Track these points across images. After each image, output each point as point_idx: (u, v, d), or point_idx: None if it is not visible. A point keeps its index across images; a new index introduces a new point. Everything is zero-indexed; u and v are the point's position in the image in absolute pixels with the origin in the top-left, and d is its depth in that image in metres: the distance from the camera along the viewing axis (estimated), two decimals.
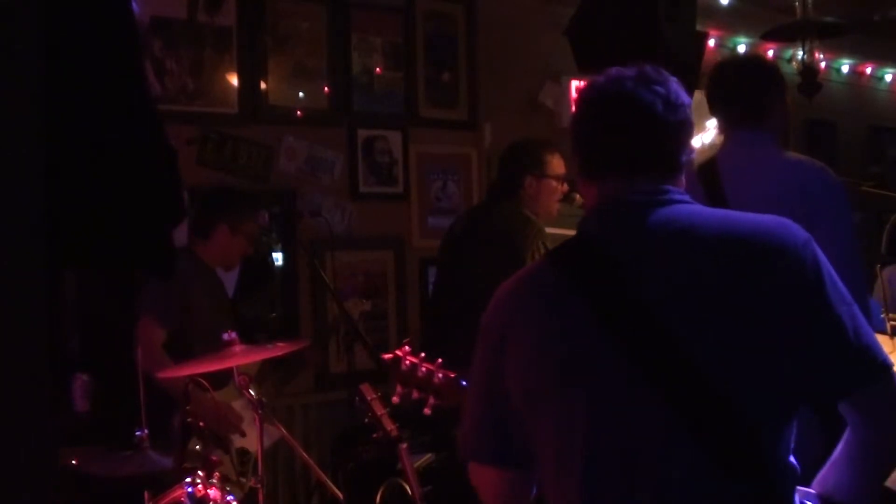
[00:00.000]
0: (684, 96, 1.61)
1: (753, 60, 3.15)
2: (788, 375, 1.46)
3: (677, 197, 1.57)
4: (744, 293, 1.46)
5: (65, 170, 1.40)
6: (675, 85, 1.60)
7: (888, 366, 1.49)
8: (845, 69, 7.44)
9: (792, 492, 1.51)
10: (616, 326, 1.49)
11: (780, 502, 1.48)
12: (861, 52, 7.39)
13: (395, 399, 2.20)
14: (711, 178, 2.71)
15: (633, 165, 1.58)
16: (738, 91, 2.86)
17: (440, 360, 2.17)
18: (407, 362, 2.18)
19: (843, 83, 7.46)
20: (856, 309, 1.49)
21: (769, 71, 2.94)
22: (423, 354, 2.19)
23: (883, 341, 3.86)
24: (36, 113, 1.19)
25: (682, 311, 1.47)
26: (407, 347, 2.21)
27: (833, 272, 1.51)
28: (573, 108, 1.71)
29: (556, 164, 3.82)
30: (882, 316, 3.94)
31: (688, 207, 1.56)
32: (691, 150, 1.64)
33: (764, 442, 1.46)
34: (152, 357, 3.36)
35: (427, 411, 2.16)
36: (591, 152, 1.63)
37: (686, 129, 1.61)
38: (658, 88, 1.58)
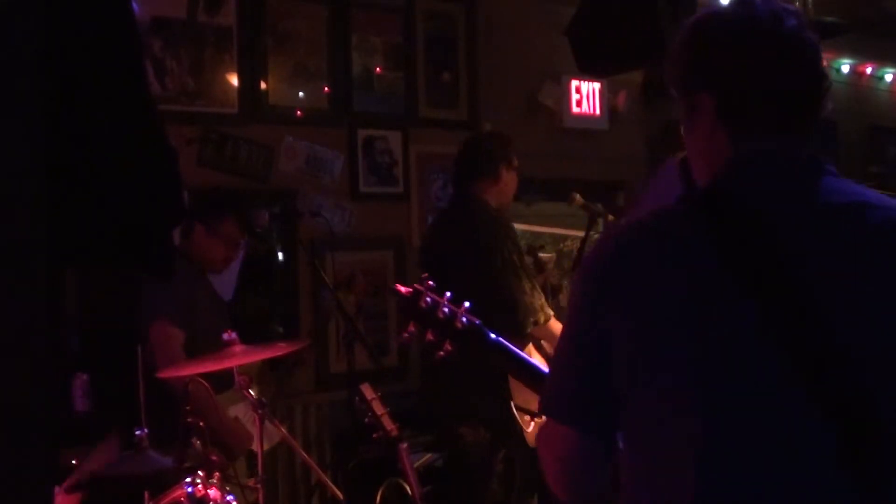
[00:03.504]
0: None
1: None
2: None
3: (827, 167, 1.39)
4: None
5: (65, 169, 1.40)
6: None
7: None
8: (845, 69, 7.44)
9: None
10: (764, 301, 1.29)
11: None
12: (861, 52, 7.39)
13: (405, 336, 1.96)
14: (686, 173, 2.71)
15: (792, 122, 1.40)
16: None
17: (467, 303, 1.93)
18: (427, 299, 1.92)
19: (843, 83, 7.46)
20: None
21: None
22: (448, 294, 1.94)
23: None
24: (37, 113, 1.19)
25: (845, 298, 1.28)
26: (431, 283, 1.93)
27: None
28: (708, 38, 1.44)
29: (516, 161, 3.87)
30: None
31: (845, 182, 1.38)
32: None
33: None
34: (171, 358, 3.33)
35: (440, 354, 1.93)
36: (754, 101, 1.40)
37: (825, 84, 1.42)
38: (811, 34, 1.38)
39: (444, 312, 1.90)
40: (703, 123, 1.43)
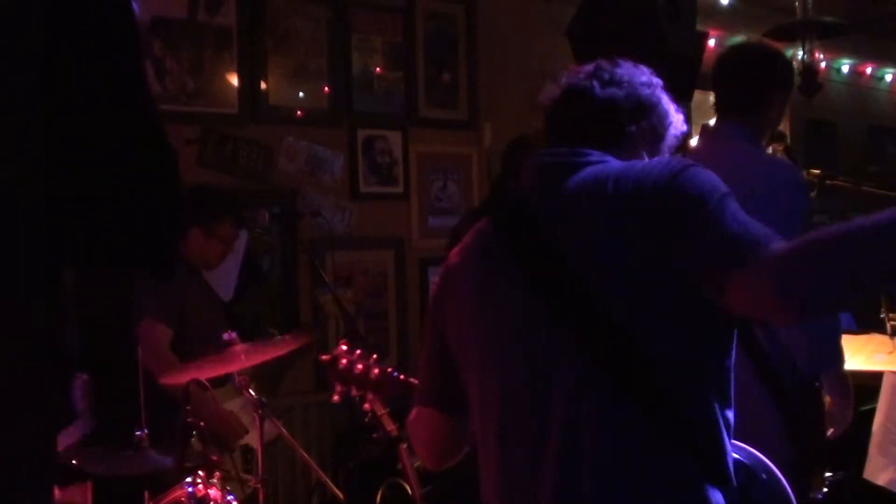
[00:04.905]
0: (622, 74, 1.75)
1: (756, 49, 3.12)
2: (676, 282, 1.52)
3: (592, 159, 1.67)
4: (636, 233, 1.55)
5: (64, 170, 1.40)
6: (620, 66, 1.76)
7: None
8: (845, 69, 7.44)
9: (719, 440, 1.54)
10: (533, 276, 1.62)
11: (700, 445, 1.52)
12: (861, 52, 7.39)
13: (335, 398, 2.25)
14: None
15: (564, 134, 1.75)
16: (732, 77, 2.86)
17: (375, 355, 2.24)
18: (343, 361, 2.22)
19: (843, 83, 7.47)
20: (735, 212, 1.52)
21: (766, 61, 2.92)
22: (358, 352, 2.25)
23: (882, 342, 3.88)
24: (35, 113, 1.19)
25: (590, 260, 1.57)
26: (343, 347, 2.25)
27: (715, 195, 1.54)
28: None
29: None
30: (882, 316, 3.93)
31: (598, 166, 1.66)
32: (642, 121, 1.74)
33: (677, 381, 1.52)
34: (160, 358, 3.34)
35: (367, 406, 2.25)
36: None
37: (616, 103, 1.72)
38: (601, 73, 1.75)
39: (358, 368, 2.20)
40: None
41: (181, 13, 4.33)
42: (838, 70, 7.37)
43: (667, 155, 1.76)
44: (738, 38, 6.02)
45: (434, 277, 4.94)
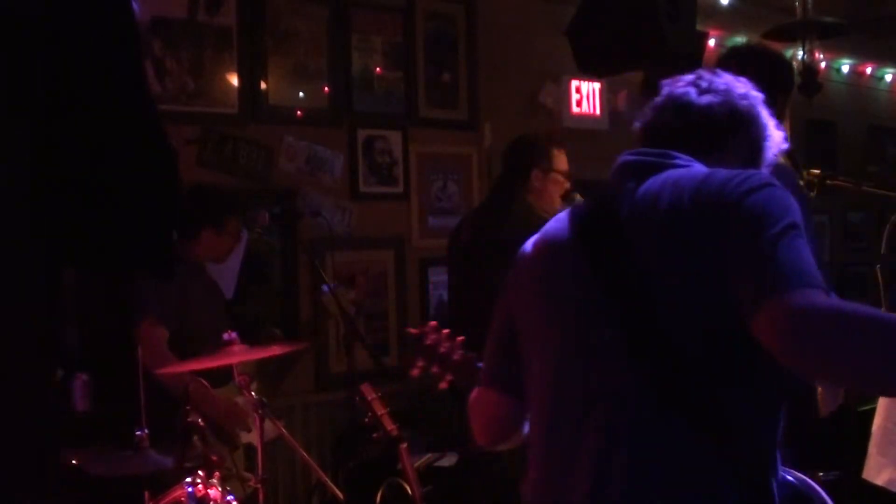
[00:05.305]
0: (720, 83, 1.75)
1: (756, 50, 3.11)
2: (720, 304, 1.50)
3: (678, 162, 1.67)
4: (697, 247, 1.54)
5: (64, 170, 1.40)
6: (716, 78, 1.77)
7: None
8: (845, 69, 7.44)
9: (765, 461, 1.52)
10: (600, 273, 1.62)
11: (745, 465, 1.49)
12: (861, 52, 7.39)
13: (414, 372, 2.28)
14: None
15: (655, 139, 1.76)
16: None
17: (461, 338, 2.24)
18: (431, 337, 2.25)
19: (843, 83, 7.47)
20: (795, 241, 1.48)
21: (767, 62, 2.92)
22: (446, 332, 2.26)
23: None
24: (36, 113, 1.19)
25: (656, 264, 1.56)
26: (433, 323, 2.28)
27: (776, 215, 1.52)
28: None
29: (562, 160, 3.82)
30: None
31: (682, 170, 1.65)
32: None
33: (726, 400, 1.50)
34: (158, 357, 3.35)
35: (443, 385, 2.26)
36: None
37: (710, 112, 1.73)
38: (700, 81, 1.77)
39: (444, 348, 2.23)
40: None
41: (181, 13, 4.33)
42: (838, 70, 7.37)
43: (765, 171, 1.72)
44: (738, 38, 6.04)
45: (434, 278, 4.98)
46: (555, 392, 1.65)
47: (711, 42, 5.41)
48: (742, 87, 1.75)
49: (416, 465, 3.35)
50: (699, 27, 3.92)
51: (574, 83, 5.66)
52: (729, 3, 6.02)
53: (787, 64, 3.05)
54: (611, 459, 1.52)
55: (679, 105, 1.74)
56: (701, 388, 1.50)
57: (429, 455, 4.27)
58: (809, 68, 5.07)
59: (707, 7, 5.25)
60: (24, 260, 1.16)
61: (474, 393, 1.89)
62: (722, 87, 1.74)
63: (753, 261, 1.45)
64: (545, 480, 1.66)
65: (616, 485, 1.51)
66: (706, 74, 1.77)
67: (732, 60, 2.93)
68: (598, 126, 5.81)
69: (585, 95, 5.73)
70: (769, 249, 1.44)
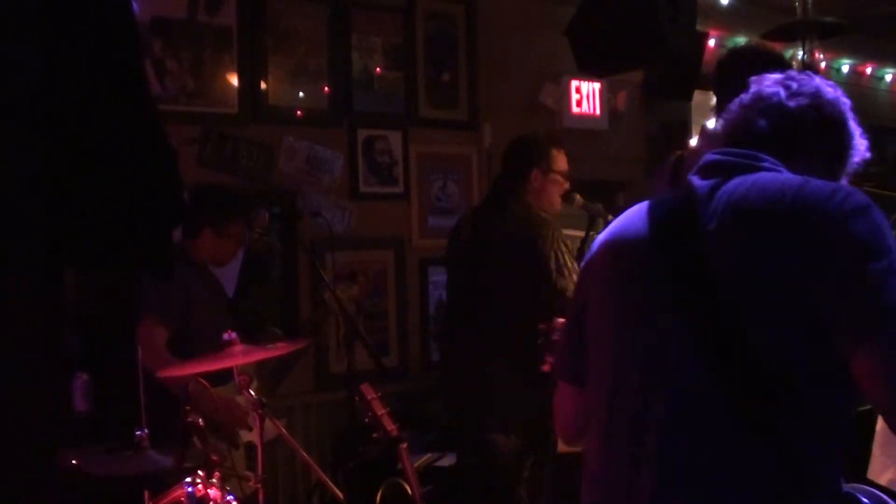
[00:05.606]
0: (810, 86, 1.71)
1: (756, 51, 3.11)
2: (813, 327, 1.47)
3: (765, 165, 1.63)
4: (786, 264, 1.49)
5: (65, 170, 1.40)
6: (806, 79, 1.73)
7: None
8: (845, 69, 7.44)
9: (829, 475, 1.51)
10: (676, 271, 1.59)
11: (807, 479, 1.47)
12: (861, 52, 7.39)
13: (545, 367, 2.39)
14: (675, 173, 2.73)
15: (739, 138, 1.72)
16: (733, 79, 2.85)
17: None
18: (557, 336, 2.38)
19: (843, 83, 7.44)
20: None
21: (767, 62, 2.92)
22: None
23: None
24: (36, 114, 1.19)
25: (737, 269, 1.52)
26: (561, 320, 2.38)
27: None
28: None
29: (561, 160, 3.82)
30: None
31: (773, 174, 1.61)
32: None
33: (792, 414, 1.47)
34: (157, 357, 3.35)
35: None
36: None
37: (798, 115, 1.70)
38: (789, 82, 1.72)
39: None
40: None
41: (181, 13, 4.33)
42: (838, 70, 7.37)
43: (844, 181, 1.73)
44: (738, 38, 6.04)
45: (434, 278, 4.98)
46: (616, 389, 1.63)
47: (711, 42, 5.41)
48: (832, 92, 1.73)
49: (416, 465, 3.35)
50: (699, 27, 3.93)
51: (574, 83, 5.66)
52: (729, 3, 6.02)
53: (787, 64, 3.05)
54: (673, 458, 1.52)
55: (768, 106, 1.70)
56: (765, 398, 1.47)
57: (429, 455, 4.27)
58: (809, 68, 5.06)
59: (707, 7, 5.24)
60: (25, 260, 1.16)
61: (558, 389, 1.87)
62: (812, 90, 1.71)
63: (860, 292, 1.43)
64: (605, 476, 1.64)
65: (674, 486, 1.51)
66: (796, 75, 1.73)
67: (732, 60, 2.94)
68: (598, 126, 5.81)
69: (585, 95, 5.72)
70: (874, 287, 1.42)
